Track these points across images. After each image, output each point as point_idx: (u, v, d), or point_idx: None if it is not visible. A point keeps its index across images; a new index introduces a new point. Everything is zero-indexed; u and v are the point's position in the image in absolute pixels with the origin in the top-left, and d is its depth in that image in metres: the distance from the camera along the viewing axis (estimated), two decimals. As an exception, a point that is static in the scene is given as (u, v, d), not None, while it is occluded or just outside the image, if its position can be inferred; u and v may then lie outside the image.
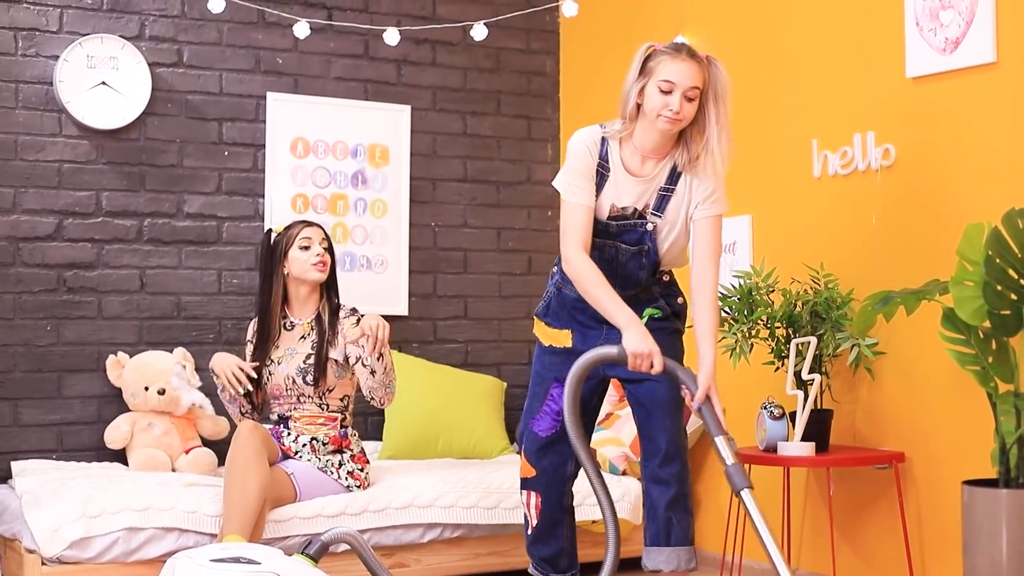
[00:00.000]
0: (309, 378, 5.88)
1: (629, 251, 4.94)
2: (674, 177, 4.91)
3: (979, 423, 5.11)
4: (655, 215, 4.91)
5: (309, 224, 6.06)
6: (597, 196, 4.92)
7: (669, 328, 5.02)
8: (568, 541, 5.22)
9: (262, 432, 5.64)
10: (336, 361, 5.92)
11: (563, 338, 5.08)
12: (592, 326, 4.99)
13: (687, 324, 5.05)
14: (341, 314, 5.99)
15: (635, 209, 4.92)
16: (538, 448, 5.11)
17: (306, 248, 5.97)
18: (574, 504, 5.24)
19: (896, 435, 5.61)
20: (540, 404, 5.13)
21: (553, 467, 5.11)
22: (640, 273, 4.96)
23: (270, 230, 6.09)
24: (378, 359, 5.74)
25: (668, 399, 4.96)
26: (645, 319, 4.87)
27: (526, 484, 5.18)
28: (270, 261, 6.02)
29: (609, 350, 4.69)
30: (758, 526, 4.40)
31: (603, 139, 4.95)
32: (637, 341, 4.65)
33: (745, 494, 4.45)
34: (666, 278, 5.05)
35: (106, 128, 6.65)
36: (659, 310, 4.98)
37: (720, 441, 4.55)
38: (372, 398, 5.87)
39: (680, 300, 5.09)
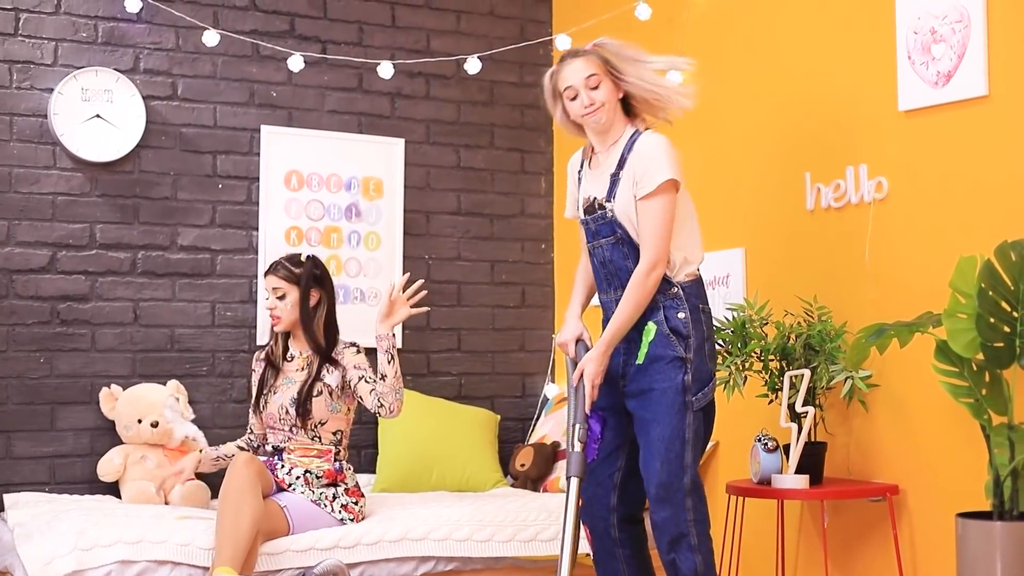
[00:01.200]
0: (302, 409, 5.89)
1: (609, 244, 5.08)
2: (622, 163, 5.06)
3: (973, 455, 5.11)
4: (608, 201, 5.05)
5: (267, 272, 6.11)
6: (579, 198, 5.25)
7: (667, 357, 4.96)
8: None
9: (257, 464, 5.63)
10: (330, 389, 5.92)
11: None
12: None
13: (686, 339, 5.00)
14: (339, 347, 6.01)
15: (594, 199, 5.11)
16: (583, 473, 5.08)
17: (266, 300, 6.10)
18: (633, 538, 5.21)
19: (890, 467, 5.61)
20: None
21: (597, 498, 5.13)
22: (628, 264, 5.02)
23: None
24: (388, 362, 5.78)
25: (656, 436, 4.91)
26: (645, 346, 4.96)
27: (582, 517, 5.15)
28: None
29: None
30: (568, 515, 4.76)
31: (582, 151, 5.31)
32: (561, 331, 5.21)
33: (573, 482, 4.81)
34: (673, 290, 5.00)
35: (100, 161, 6.66)
36: (657, 325, 4.97)
37: (577, 427, 4.90)
38: (381, 405, 5.79)
39: (682, 316, 4.99)
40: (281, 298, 5.99)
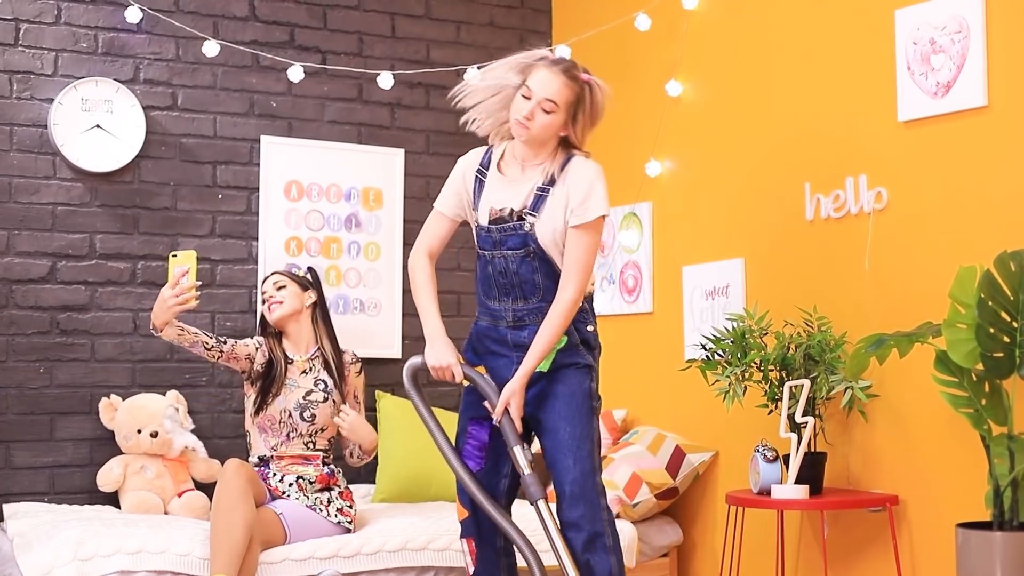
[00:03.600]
0: (307, 415, 5.91)
1: (516, 256, 4.94)
2: (551, 180, 4.94)
3: (973, 465, 5.11)
4: (531, 214, 4.92)
5: (266, 278, 6.30)
6: (478, 204, 5.03)
7: (577, 363, 4.98)
8: None
9: (248, 471, 5.63)
10: (333, 398, 5.99)
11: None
12: (503, 353, 5.01)
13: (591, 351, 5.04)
14: (346, 359, 6.07)
15: (512, 210, 4.95)
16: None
17: (264, 294, 6.22)
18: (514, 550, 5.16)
19: (890, 478, 5.61)
20: (463, 443, 5.10)
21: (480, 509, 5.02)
22: (536, 277, 4.95)
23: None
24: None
25: (568, 436, 4.89)
26: (552, 354, 4.93)
27: (463, 529, 5.12)
28: (264, 322, 6.28)
29: (415, 359, 5.03)
30: (552, 537, 4.75)
31: (490, 148, 5.12)
32: (435, 355, 4.97)
33: (540, 504, 4.77)
34: (583, 304, 4.99)
35: (100, 171, 6.66)
36: (567, 336, 4.95)
37: (518, 451, 4.85)
38: (351, 456, 6.09)
39: (591, 328, 5.03)
40: (280, 288, 6.14)
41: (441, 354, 4.95)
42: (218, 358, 6.00)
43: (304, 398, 5.94)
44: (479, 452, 5.06)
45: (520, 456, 4.83)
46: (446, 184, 5.14)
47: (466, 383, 5.00)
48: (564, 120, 4.90)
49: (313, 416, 5.93)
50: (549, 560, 5.21)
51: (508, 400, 4.85)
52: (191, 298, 5.66)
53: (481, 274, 5.06)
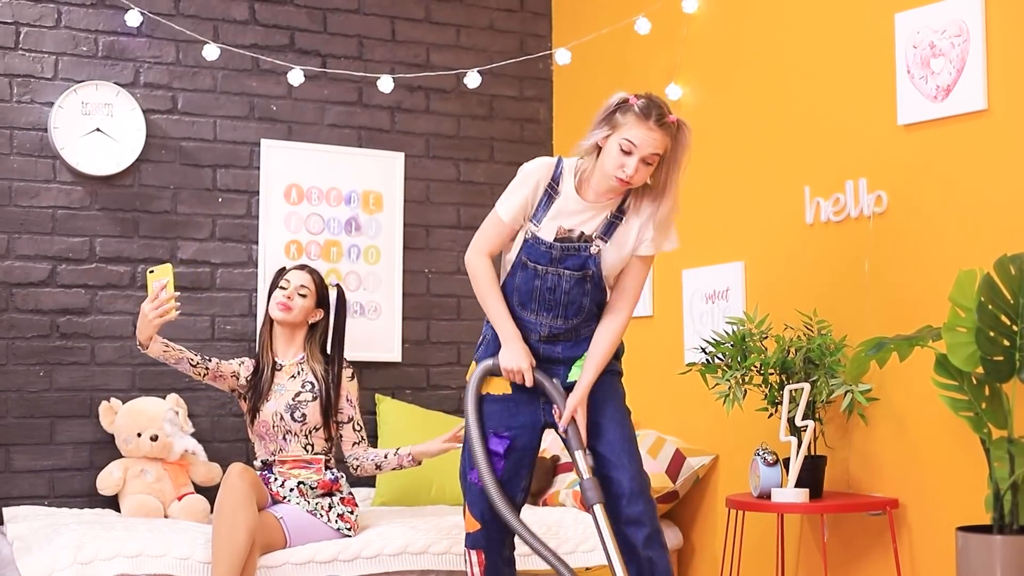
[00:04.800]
0: (297, 414, 5.90)
1: (573, 277, 4.91)
2: (624, 206, 4.93)
3: (973, 469, 5.10)
4: (601, 239, 4.90)
5: (300, 268, 6.15)
6: (543, 217, 4.92)
7: (612, 370, 5.03)
8: None
9: (251, 475, 5.62)
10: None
11: (501, 384, 5.04)
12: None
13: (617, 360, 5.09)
14: (346, 374, 6.03)
15: (582, 232, 4.91)
16: (483, 500, 4.99)
17: (284, 288, 6.05)
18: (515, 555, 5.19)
19: (890, 481, 5.60)
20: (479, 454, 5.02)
21: (498, 519, 4.98)
22: (584, 300, 4.94)
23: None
24: (392, 466, 6.01)
25: (620, 437, 4.92)
26: (580, 364, 4.96)
27: (470, 541, 5.08)
28: (268, 299, 6.14)
29: (487, 363, 4.97)
30: (605, 541, 4.70)
31: (559, 161, 4.98)
32: (510, 357, 4.90)
33: (596, 509, 4.74)
34: None
35: (100, 174, 6.67)
36: None
37: (579, 455, 4.82)
38: (355, 463, 6.03)
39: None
40: (302, 296, 6.04)
41: (518, 356, 4.90)
42: (204, 376, 5.97)
43: (293, 399, 5.93)
44: (500, 462, 5.02)
45: (581, 461, 4.82)
46: (511, 191, 4.99)
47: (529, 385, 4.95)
48: (654, 167, 4.84)
49: (304, 416, 5.91)
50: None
51: (575, 408, 4.85)
52: (171, 309, 5.64)
53: (522, 284, 4.97)
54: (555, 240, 4.91)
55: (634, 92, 4.86)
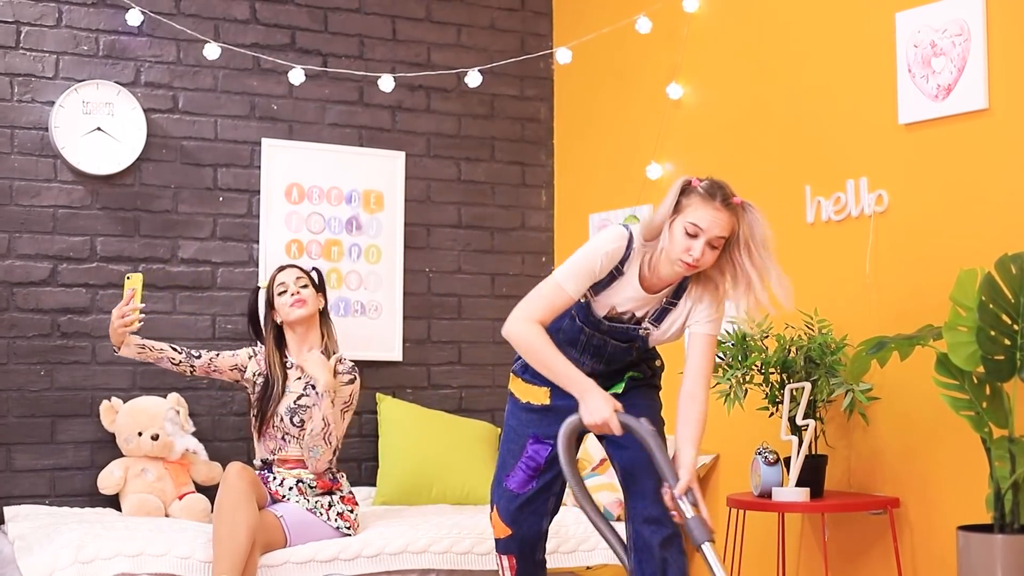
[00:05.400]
0: (296, 419, 5.89)
1: (619, 346, 4.89)
2: (679, 292, 4.84)
3: (974, 468, 5.11)
4: (652, 324, 4.86)
5: (282, 268, 6.20)
6: (600, 293, 4.82)
7: (648, 383, 5.04)
8: None
9: (250, 474, 5.63)
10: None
11: (541, 395, 5.01)
12: (568, 393, 4.88)
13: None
14: (339, 368, 6.00)
15: (633, 315, 4.85)
16: (515, 507, 5.01)
17: (283, 293, 6.06)
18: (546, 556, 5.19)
19: (891, 480, 5.61)
20: (515, 460, 5.03)
21: (530, 527, 5.02)
22: (629, 357, 4.95)
23: (258, 288, 6.30)
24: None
25: (657, 447, 4.89)
26: (624, 382, 4.92)
27: (501, 546, 5.08)
28: (267, 313, 6.13)
29: (574, 419, 4.69)
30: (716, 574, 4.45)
31: (630, 241, 4.78)
32: (595, 409, 4.64)
33: (707, 548, 4.48)
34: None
35: (101, 174, 6.66)
36: (640, 373, 5.00)
37: (688, 497, 4.57)
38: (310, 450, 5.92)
39: (658, 363, 5.10)
40: (304, 287, 6.08)
41: (601, 407, 4.64)
42: (191, 372, 5.98)
43: (295, 403, 5.92)
44: (531, 472, 5.00)
45: (686, 505, 4.57)
46: (578, 263, 4.79)
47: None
48: (719, 250, 4.71)
49: (303, 421, 5.91)
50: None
51: (691, 484, 4.62)
52: (134, 320, 5.75)
53: (570, 333, 4.89)
54: (604, 317, 4.86)
55: (695, 175, 4.77)
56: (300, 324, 6.05)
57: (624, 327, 4.85)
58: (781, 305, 4.68)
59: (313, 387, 5.93)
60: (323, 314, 6.18)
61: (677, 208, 4.66)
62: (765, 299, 4.70)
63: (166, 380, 6.72)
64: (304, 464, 5.92)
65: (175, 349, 5.96)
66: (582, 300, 4.83)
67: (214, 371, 6.01)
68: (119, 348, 5.81)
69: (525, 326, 4.77)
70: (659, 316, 4.85)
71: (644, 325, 4.86)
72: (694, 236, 4.60)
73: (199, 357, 5.98)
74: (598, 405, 4.64)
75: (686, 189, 4.68)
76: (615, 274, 4.79)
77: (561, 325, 4.89)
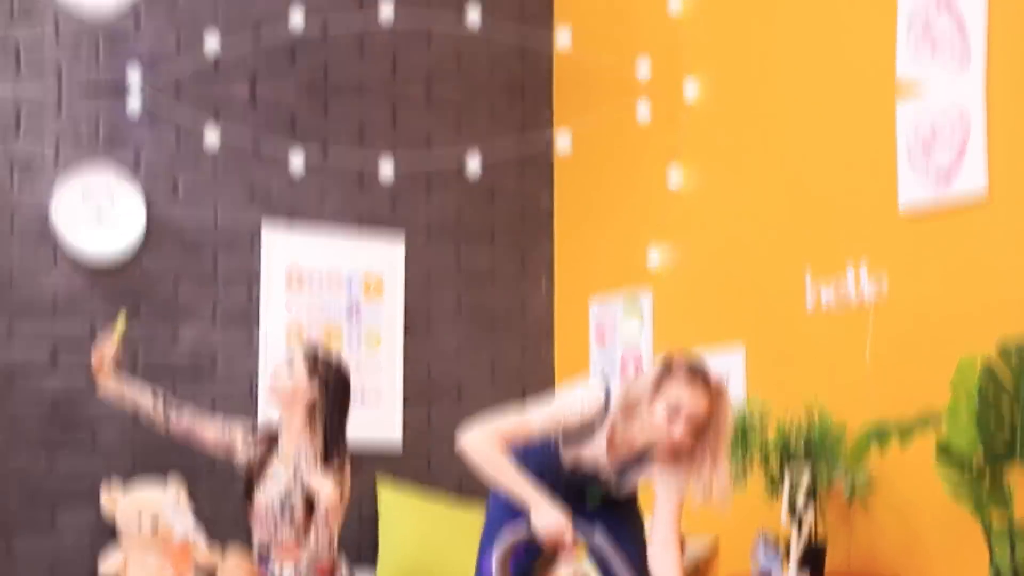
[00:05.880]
0: (285, 513, 5.80)
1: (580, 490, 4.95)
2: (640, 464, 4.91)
3: (974, 555, 5.08)
4: (613, 479, 4.96)
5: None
6: (568, 444, 4.88)
7: (630, 498, 5.10)
8: None
9: (247, 568, 5.60)
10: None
11: None
12: (549, 481, 4.91)
13: None
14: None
15: (595, 466, 4.92)
16: None
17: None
18: None
19: (891, 566, 5.58)
20: (491, 545, 4.96)
21: None
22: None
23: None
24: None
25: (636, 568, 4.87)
26: (598, 500, 4.95)
27: None
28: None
29: (520, 531, 4.69)
30: None
31: (608, 402, 4.83)
32: (547, 519, 4.65)
33: None
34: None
35: (101, 259, 6.68)
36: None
37: None
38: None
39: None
40: (289, 363, 5.95)
41: (554, 517, 4.65)
42: (167, 431, 6.04)
43: (285, 494, 5.81)
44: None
45: None
46: (555, 416, 4.85)
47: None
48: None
49: (292, 518, 5.82)
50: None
51: None
52: (106, 371, 6.00)
53: (532, 459, 4.89)
54: (566, 467, 4.90)
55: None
56: (279, 403, 5.98)
57: (583, 477, 4.92)
58: (719, 502, 4.74)
59: (303, 480, 5.80)
60: (316, 415, 5.88)
61: (658, 386, 4.66)
62: (720, 487, 4.74)
63: (168, 463, 6.66)
64: (299, 548, 5.86)
65: (158, 400, 5.99)
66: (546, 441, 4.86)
67: (193, 440, 6.00)
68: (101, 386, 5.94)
69: (486, 445, 4.79)
70: (622, 473, 4.92)
71: (603, 481, 4.93)
72: (675, 415, 4.62)
73: (183, 419, 6.04)
74: (553, 513, 4.64)
75: (669, 367, 4.68)
76: (584, 436, 4.85)
77: (526, 451, 4.89)
